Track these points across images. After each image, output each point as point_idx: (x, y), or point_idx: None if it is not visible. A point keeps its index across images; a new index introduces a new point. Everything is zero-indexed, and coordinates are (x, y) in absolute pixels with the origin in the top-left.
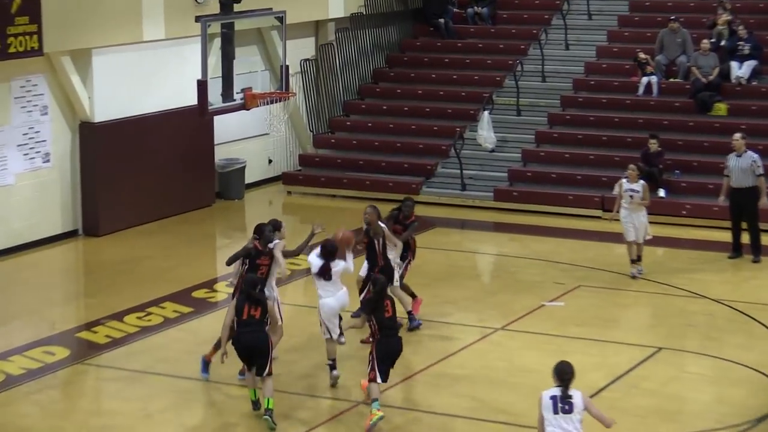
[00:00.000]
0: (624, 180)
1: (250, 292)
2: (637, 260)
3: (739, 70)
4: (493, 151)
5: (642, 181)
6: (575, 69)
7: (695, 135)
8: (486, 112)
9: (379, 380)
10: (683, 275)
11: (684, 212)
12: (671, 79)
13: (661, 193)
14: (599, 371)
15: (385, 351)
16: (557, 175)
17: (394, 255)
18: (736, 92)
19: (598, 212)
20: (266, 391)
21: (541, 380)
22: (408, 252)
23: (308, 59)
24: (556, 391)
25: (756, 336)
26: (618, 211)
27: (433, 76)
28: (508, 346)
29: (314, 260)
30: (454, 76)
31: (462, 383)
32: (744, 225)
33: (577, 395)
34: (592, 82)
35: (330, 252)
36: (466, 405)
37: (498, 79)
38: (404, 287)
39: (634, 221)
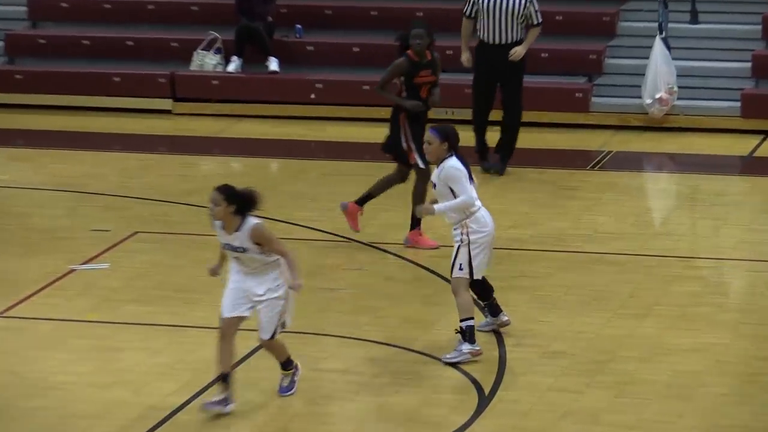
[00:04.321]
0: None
1: None
2: None
3: None
4: None
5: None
6: None
7: None
8: None
9: None
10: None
11: (314, 96)
12: None
13: (272, 65)
14: (170, 381)
15: None
16: None
17: None
18: None
19: None
20: None
21: (70, 402)
22: None
23: None
24: None
25: None
26: None
27: None
28: (11, 346)
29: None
30: None
31: None
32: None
33: None
34: None
35: None
36: None
37: None
38: None
39: None
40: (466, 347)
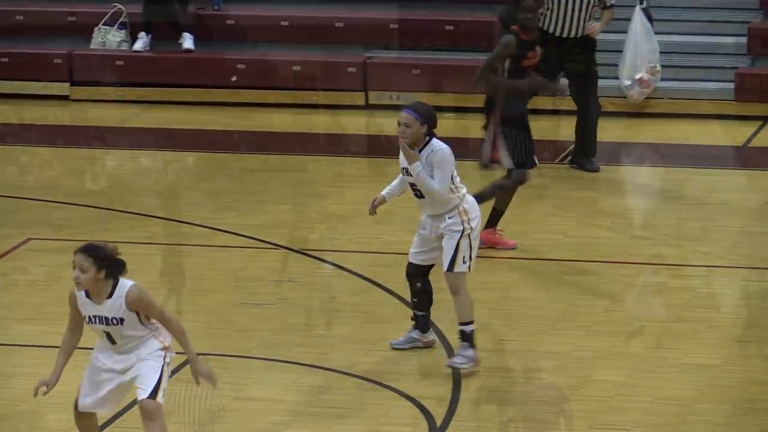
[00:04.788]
0: None
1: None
2: None
3: None
4: None
5: None
6: None
7: None
8: None
9: None
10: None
11: (236, 79)
12: None
13: (187, 42)
14: (71, 413)
15: None
16: None
17: None
18: None
19: None
20: None
21: None
22: None
23: None
24: None
25: None
26: None
27: None
28: None
29: None
30: None
31: None
32: None
33: None
34: None
35: None
36: None
37: None
38: None
39: None
40: (473, 353)
